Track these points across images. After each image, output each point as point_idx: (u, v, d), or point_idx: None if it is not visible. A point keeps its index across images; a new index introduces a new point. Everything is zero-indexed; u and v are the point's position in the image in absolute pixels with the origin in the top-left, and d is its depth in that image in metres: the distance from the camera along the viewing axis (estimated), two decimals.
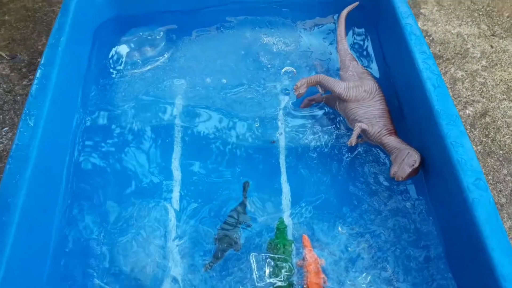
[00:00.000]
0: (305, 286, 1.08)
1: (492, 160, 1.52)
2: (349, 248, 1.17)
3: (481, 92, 1.68)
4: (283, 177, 1.33)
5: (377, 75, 1.50)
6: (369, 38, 1.65)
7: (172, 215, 1.24)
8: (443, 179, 1.16)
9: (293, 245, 1.17)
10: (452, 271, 1.10)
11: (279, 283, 1.09)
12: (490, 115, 1.62)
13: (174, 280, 1.13)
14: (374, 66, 1.53)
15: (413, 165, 1.19)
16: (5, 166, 1.11)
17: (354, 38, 1.63)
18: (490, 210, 1.02)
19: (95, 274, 1.12)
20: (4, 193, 1.07)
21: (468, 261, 1.05)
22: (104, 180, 1.33)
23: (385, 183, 1.27)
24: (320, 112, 1.42)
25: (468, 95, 1.67)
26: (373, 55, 1.57)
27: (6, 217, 1.03)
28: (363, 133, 1.31)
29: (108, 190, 1.31)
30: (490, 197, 1.04)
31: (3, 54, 1.82)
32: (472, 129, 1.57)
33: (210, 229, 1.21)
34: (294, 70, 1.50)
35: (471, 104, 1.65)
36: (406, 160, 1.21)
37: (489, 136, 1.57)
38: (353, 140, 1.28)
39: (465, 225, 1.04)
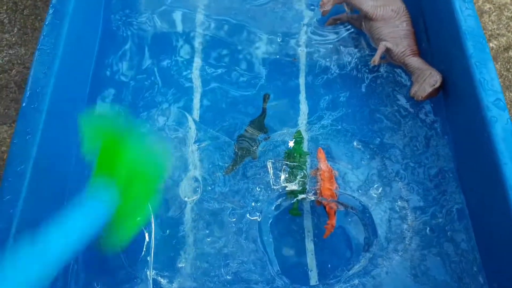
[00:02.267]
0: (318, 191, 1.13)
1: (511, 94, 1.52)
2: (363, 162, 1.20)
3: (507, 26, 1.65)
4: (302, 94, 1.34)
5: None
6: None
7: (191, 122, 1.27)
8: (462, 99, 1.17)
9: (308, 156, 1.21)
10: (462, 186, 1.14)
11: (294, 187, 1.14)
12: None
13: (195, 179, 1.18)
14: None
15: (434, 85, 1.20)
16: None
17: None
18: (507, 129, 1.04)
19: None
20: None
21: (479, 176, 1.09)
22: (125, 86, 1.35)
23: (404, 102, 1.28)
24: (344, 31, 1.41)
25: (494, 28, 1.65)
26: None
27: None
28: (387, 53, 1.31)
29: (127, 94, 1.34)
30: (508, 117, 1.06)
31: None
32: (494, 63, 1.56)
33: (229, 138, 1.25)
34: None
35: (496, 37, 1.63)
36: (428, 80, 1.21)
37: (510, 70, 1.56)
38: (376, 58, 1.28)
39: (480, 143, 1.07)
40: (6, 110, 1.50)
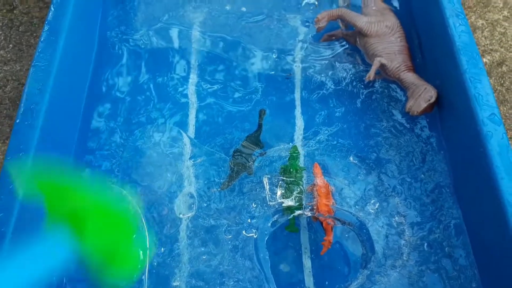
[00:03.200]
0: (314, 207, 1.12)
1: (505, 108, 1.53)
2: (359, 177, 1.20)
3: (500, 41, 1.67)
4: (298, 110, 1.34)
5: (399, 12, 1.48)
6: None
7: (187, 139, 1.26)
8: (458, 114, 1.18)
9: (304, 171, 1.20)
10: (459, 201, 1.14)
11: (290, 203, 1.13)
12: (507, 65, 1.61)
13: (190, 195, 1.17)
14: (395, 3, 1.50)
15: (429, 100, 1.21)
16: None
17: None
18: (503, 143, 1.04)
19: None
20: None
21: (476, 191, 1.09)
22: (120, 102, 1.35)
23: (400, 118, 1.28)
24: (339, 47, 1.42)
25: (487, 44, 1.66)
26: None
27: None
28: (382, 69, 1.32)
29: (123, 109, 1.33)
30: (503, 131, 1.06)
31: None
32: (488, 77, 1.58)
33: (225, 154, 1.24)
34: (316, 3, 1.49)
35: (489, 53, 1.64)
36: (423, 95, 1.22)
37: (504, 85, 1.57)
38: (371, 74, 1.28)
39: (476, 157, 1.07)
40: (0, 127, 1.49)
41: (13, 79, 1.58)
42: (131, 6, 1.53)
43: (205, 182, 1.19)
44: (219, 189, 1.18)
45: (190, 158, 1.22)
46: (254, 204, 1.14)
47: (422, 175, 1.19)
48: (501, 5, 1.77)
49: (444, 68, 1.25)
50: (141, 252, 1.07)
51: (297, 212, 1.11)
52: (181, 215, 1.14)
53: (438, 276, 1.06)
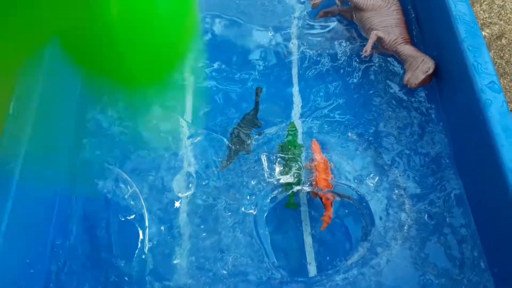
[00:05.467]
0: (313, 182, 1.11)
1: (505, 81, 1.51)
2: (357, 151, 1.19)
3: (499, 14, 1.65)
4: (295, 87, 1.33)
5: None
6: None
7: (184, 120, 1.26)
8: (456, 84, 1.16)
9: (302, 148, 1.19)
10: (459, 171, 1.13)
11: (289, 179, 1.12)
12: (506, 37, 1.59)
13: (188, 174, 1.16)
14: None
15: (427, 71, 1.19)
16: None
17: None
18: (503, 111, 1.02)
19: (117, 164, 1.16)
20: None
21: (476, 160, 1.07)
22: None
23: (398, 91, 1.27)
24: (335, 23, 1.40)
25: (486, 17, 1.64)
26: None
27: None
28: (378, 42, 1.30)
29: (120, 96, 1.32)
30: (503, 99, 1.04)
31: None
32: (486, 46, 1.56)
33: (222, 133, 1.23)
34: None
35: (488, 26, 1.62)
36: (421, 67, 1.20)
37: (504, 57, 1.55)
38: (368, 47, 1.27)
39: (476, 126, 1.06)
40: None
41: None
42: None
43: (204, 161, 1.19)
44: (218, 169, 1.17)
45: (188, 138, 1.21)
46: (253, 181, 1.13)
47: (421, 147, 1.17)
48: None
49: (441, 39, 1.23)
50: (140, 231, 1.08)
51: (296, 188, 1.11)
52: (179, 194, 1.13)
53: (440, 247, 1.05)
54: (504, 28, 1.60)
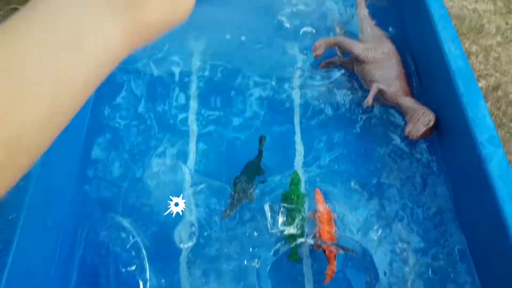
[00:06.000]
0: (317, 234, 1.11)
1: (503, 132, 1.54)
2: (360, 202, 1.19)
3: (495, 66, 1.70)
4: (297, 135, 1.35)
5: (395, 38, 1.51)
6: (388, 1, 1.65)
7: (187, 167, 1.26)
8: (456, 137, 1.18)
9: (305, 198, 1.19)
10: (461, 226, 1.13)
11: (292, 231, 1.12)
12: (502, 89, 1.63)
13: (191, 223, 1.15)
14: (391, 29, 1.53)
15: (427, 124, 1.22)
16: None
17: (373, 3, 1.63)
18: (503, 165, 1.04)
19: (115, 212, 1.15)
20: None
21: (478, 213, 1.08)
22: (120, 132, 1.35)
23: (399, 142, 1.29)
24: (337, 74, 1.43)
25: (482, 69, 1.69)
26: (391, 19, 1.57)
27: None
28: (380, 94, 1.33)
29: (123, 139, 1.34)
30: (503, 153, 1.06)
31: None
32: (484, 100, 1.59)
33: (225, 181, 1.24)
34: (313, 31, 1.51)
35: (484, 77, 1.67)
36: (421, 119, 1.23)
37: (501, 109, 1.59)
38: (369, 99, 1.29)
39: (477, 181, 1.07)
40: None
41: None
42: None
43: (206, 210, 1.18)
44: (220, 217, 1.17)
45: (190, 186, 1.21)
46: (256, 232, 1.13)
47: (424, 200, 1.18)
48: (494, 31, 1.81)
49: (440, 92, 1.27)
50: (141, 282, 1.06)
51: (300, 240, 1.10)
52: (181, 245, 1.12)
53: None
54: (500, 80, 1.65)
